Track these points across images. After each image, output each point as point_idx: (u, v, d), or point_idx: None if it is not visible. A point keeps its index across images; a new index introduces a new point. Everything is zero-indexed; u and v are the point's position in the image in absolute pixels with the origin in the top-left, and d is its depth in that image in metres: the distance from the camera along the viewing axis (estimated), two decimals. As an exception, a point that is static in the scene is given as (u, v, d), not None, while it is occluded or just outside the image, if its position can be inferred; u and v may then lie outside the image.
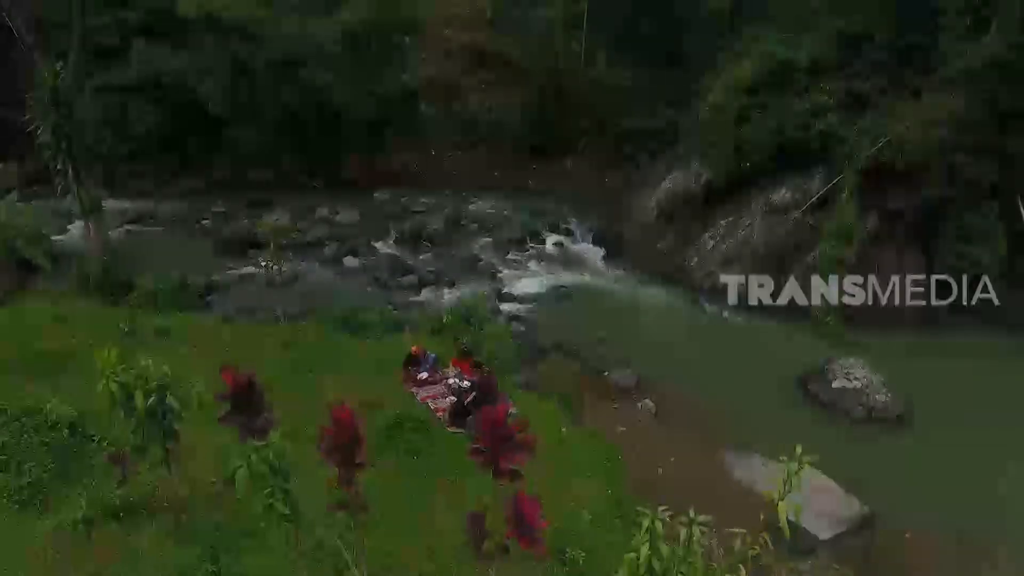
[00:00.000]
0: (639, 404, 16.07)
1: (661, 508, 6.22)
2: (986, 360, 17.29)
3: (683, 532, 6.03)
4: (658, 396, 16.44)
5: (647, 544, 5.90)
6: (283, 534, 8.63)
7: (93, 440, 10.48)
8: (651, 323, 20.76)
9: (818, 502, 12.86)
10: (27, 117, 14.67)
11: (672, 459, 13.93)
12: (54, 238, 22.29)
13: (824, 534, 12.33)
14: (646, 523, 6.03)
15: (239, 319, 17.90)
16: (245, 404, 6.54)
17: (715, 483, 13.31)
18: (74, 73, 15.02)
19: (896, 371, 16.61)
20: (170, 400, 7.49)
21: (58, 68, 14.41)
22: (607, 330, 19.53)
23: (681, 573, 6.04)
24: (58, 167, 14.63)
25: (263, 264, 16.15)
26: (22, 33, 15.19)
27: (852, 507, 12.93)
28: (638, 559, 6.08)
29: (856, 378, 16.43)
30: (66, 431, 10.18)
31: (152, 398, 7.36)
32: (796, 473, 5.78)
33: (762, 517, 6.67)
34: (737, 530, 6.94)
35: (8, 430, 9.87)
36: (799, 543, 11.77)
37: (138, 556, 8.23)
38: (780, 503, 6.00)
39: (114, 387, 7.39)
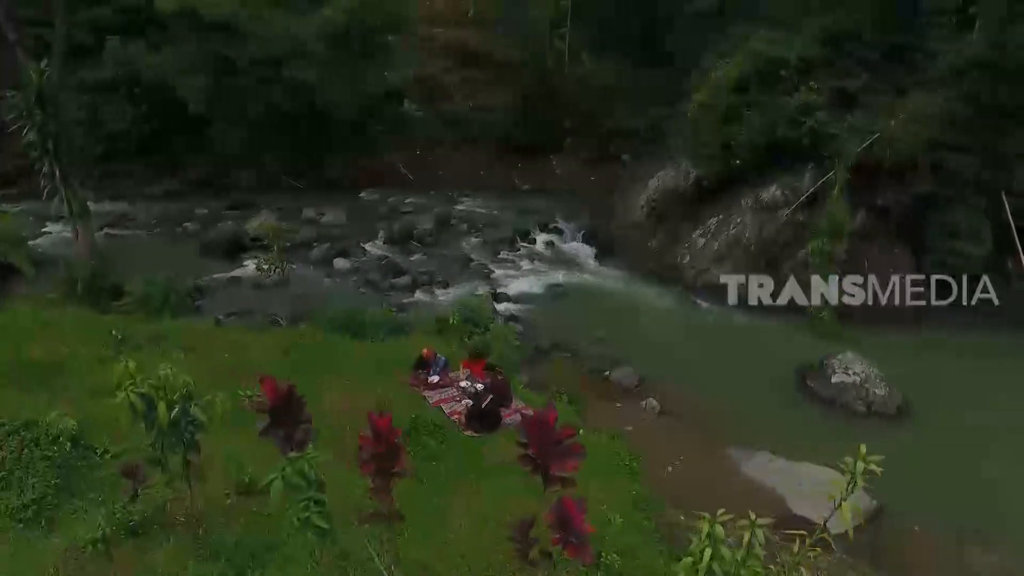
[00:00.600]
0: (643, 403, 16.03)
1: (720, 512, 6.16)
2: (977, 353, 17.67)
3: (745, 535, 5.96)
4: (660, 395, 16.40)
5: (708, 549, 5.84)
6: (308, 546, 8.43)
7: (96, 453, 10.06)
8: (647, 322, 20.75)
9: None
10: (9, 117, 14.06)
11: (681, 457, 13.92)
12: (30, 242, 21.60)
13: (836, 529, 12.37)
14: (705, 528, 5.95)
15: (233, 322, 17.49)
16: (285, 415, 6.31)
17: (726, 480, 13.35)
18: (59, 72, 14.40)
19: (893, 366, 16.84)
20: (194, 411, 7.16)
21: (43, 66, 13.83)
22: (604, 329, 19.50)
23: (741, 576, 5.99)
24: (44, 169, 14.04)
25: (264, 267, 15.69)
26: (5, 29, 14.52)
27: (861, 501, 13.03)
28: (695, 564, 6.00)
29: (855, 373, 16.61)
30: (68, 444, 9.71)
31: (176, 409, 7.04)
32: (862, 473, 5.74)
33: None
34: (796, 532, 6.90)
35: (8, 445, 9.40)
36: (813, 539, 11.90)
37: (156, 575, 7.90)
38: (843, 504, 5.97)
39: (134, 398, 7.04)
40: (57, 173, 13.98)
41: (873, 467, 5.66)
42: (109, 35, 27.88)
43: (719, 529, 5.82)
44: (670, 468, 13.51)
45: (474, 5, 36.32)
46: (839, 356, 17.11)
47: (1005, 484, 13.48)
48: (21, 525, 8.58)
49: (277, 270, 15.55)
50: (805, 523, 10.54)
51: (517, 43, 33.73)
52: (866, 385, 16.39)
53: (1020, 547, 12.15)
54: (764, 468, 13.85)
